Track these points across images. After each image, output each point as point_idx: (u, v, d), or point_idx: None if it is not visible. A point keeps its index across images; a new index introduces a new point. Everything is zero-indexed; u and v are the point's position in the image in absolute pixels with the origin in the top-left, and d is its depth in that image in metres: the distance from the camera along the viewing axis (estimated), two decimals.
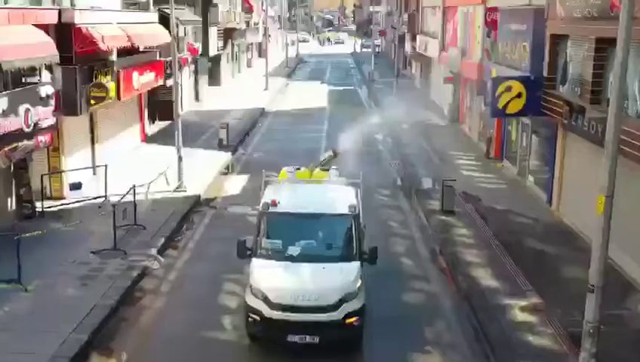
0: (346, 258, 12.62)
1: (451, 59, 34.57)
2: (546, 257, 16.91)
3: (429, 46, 43.06)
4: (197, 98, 42.53)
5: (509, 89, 20.34)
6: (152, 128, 32.13)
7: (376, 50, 71.68)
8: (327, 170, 15.69)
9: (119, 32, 22.61)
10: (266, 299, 11.85)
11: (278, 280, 12.13)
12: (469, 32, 32.13)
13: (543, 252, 17.25)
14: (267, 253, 12.72)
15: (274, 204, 13.03)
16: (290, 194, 13.93)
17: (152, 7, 29.86)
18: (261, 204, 13.28)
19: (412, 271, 16.48)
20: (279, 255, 12.59)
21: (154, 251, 16.77)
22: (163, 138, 29.09)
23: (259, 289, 12.00)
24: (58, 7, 19.90)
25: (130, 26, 24.21)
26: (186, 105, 39.35)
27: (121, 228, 17.44)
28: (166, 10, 24.90)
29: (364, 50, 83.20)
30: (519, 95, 20.34)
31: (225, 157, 28.00)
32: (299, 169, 15.65)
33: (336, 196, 13.76)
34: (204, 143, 30.20)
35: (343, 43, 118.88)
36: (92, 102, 20.72)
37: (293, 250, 12.55)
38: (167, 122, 30.87)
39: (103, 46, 20.46)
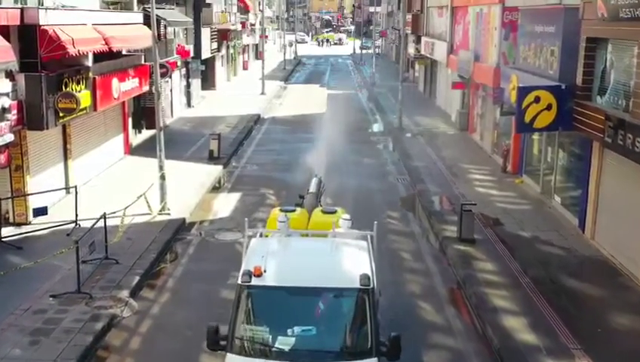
0: (357, 353, 9.08)
1: (461, 63, 31.99)
2: (586, 300, 14.38)
3: (435, 48, 40.58)
4: (189, 104, 40.18)
5: (537, 100, 17.68)
6: (138, 137, 29.65)
7: (376, 51, 69.28)
8: (333, 212, 12.28)
9: (94, 34, 20.02)
10: None
11: None
12: (482, 33, 29.55)
13: (582, 293, 14.74)
14: (248, 346, 9.19)
15: (258, 273, 9.38)
16: (282, 257, 10.33)
17: (135, 6, 27.31)
18: (240, 274, 9.61)
19: (430, 317, 13.89)
20: (264, 349, 9.10)
21: (125, 293, 14.20)
22: (150, 148, 26.32)
23: None
24: (20, 7, 17.33)
25: (110, 27, 21.62)
26: (177, 112, 36.98)
27: (90, 262, 14.97)
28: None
29: (364, 51, 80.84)
30: (549, 107, 17.69)
31: (215, 171, 25.48)
32: (294, 211, 12.28)
33: (343, 259, 10.13)
34: (193, 155, 27.74)
35: (342, 44, 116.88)
36: (61, 114, 18.11)
37: (285, 342, 9.02)
38: (155, 130, 28.35)
39: (72, 50, 17.80)
